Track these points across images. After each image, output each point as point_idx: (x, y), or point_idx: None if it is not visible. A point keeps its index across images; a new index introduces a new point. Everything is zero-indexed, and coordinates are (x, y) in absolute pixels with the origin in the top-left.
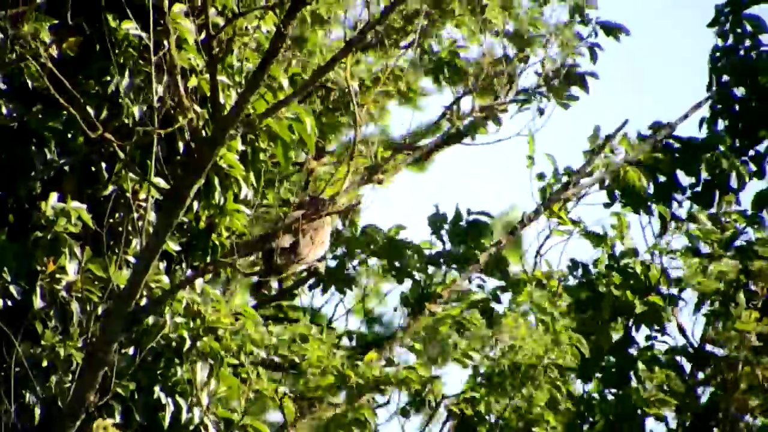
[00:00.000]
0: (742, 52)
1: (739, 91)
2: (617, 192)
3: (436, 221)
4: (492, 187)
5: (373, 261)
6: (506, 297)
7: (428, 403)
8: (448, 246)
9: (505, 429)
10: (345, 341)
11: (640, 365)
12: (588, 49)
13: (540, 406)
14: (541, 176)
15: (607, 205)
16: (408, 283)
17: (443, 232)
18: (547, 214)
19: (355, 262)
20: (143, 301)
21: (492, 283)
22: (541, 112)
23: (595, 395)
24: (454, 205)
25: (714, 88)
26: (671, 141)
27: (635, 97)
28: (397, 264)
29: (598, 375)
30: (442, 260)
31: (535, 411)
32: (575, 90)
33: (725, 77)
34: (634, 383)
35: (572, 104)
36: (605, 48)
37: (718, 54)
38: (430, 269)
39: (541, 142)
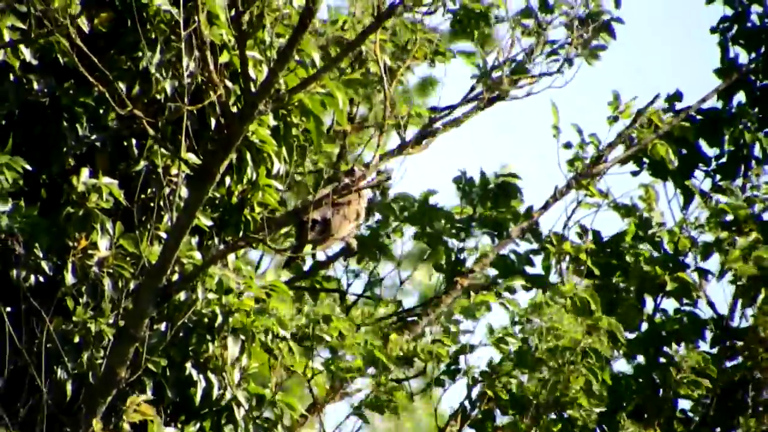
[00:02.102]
0: (755, 18)
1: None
2: (645, 160)
3: (463, 185)
4: (523, 151)
5: (407, 230)
6: (538, 259)
7: (463, 373)
8: (479, 210)
9: (538, 409)
10: (381, 311)
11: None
12: None
13: (575, 389)
14: (567, 146)
15: (634, 174)
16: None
17: (473, 196)
18: (576, 186)
19: (389, 229)
20: (175, 277)
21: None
22: (569, 62)
23: (627, 370)
24: (479, 169)
25: (726, 61)
26: (693, 114)
27: (652, 62)
28: (428, 230)
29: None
30: (473, 224)
31: (570, 394)
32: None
33: (736, 50)
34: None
35: (601, 54)
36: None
37: (727, 24)
38: (462, 236)
39: (562, 109)
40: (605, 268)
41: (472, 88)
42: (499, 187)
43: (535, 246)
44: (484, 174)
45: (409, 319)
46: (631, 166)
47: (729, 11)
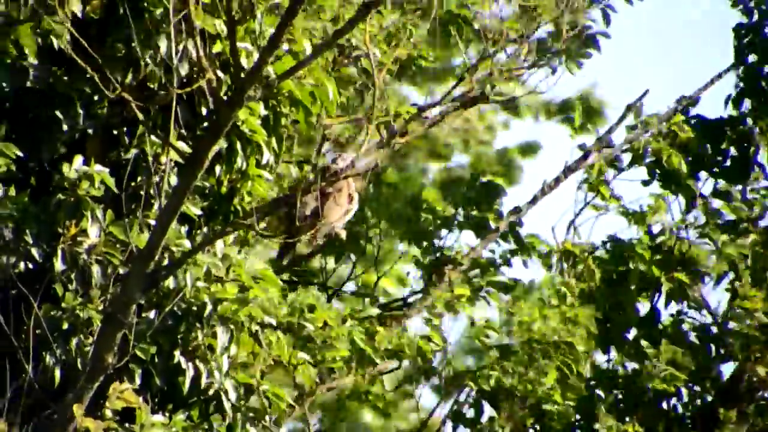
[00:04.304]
0: (767, 30)
1: (766, 69)
2: (657, 171)
3: (448, 184)
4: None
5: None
6: (517, 260)
7: (441, 373)
8: (461, 210)
9: (517, 404)
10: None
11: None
12: (601, 11)
13: (550, 385)
14: (582, 147)
15: (645, 183)
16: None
17: (456, 196)
18: (588, 189)
19: (367, 226)
20: (164, 263)
21: (506, 249)
22: (553, 70)
23: (610, 367)
24: (468, 169)
25: (740, 68)
26: (695, 122)
27: (656, 66)
28: (414, 227)
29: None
30: (455, 222)
31: (543, 389)
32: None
33: (751, 57)
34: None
35: (584, 62)
36: (624, 16)
37: (743, 32)
38: (443, 232)
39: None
40: (609, 271)
41: (455, 86)
42: (482, 186)
43: (513, 246)
44: (475, 175)
45: (392, 313)
46: (641, 172)
47: (745, 20)
